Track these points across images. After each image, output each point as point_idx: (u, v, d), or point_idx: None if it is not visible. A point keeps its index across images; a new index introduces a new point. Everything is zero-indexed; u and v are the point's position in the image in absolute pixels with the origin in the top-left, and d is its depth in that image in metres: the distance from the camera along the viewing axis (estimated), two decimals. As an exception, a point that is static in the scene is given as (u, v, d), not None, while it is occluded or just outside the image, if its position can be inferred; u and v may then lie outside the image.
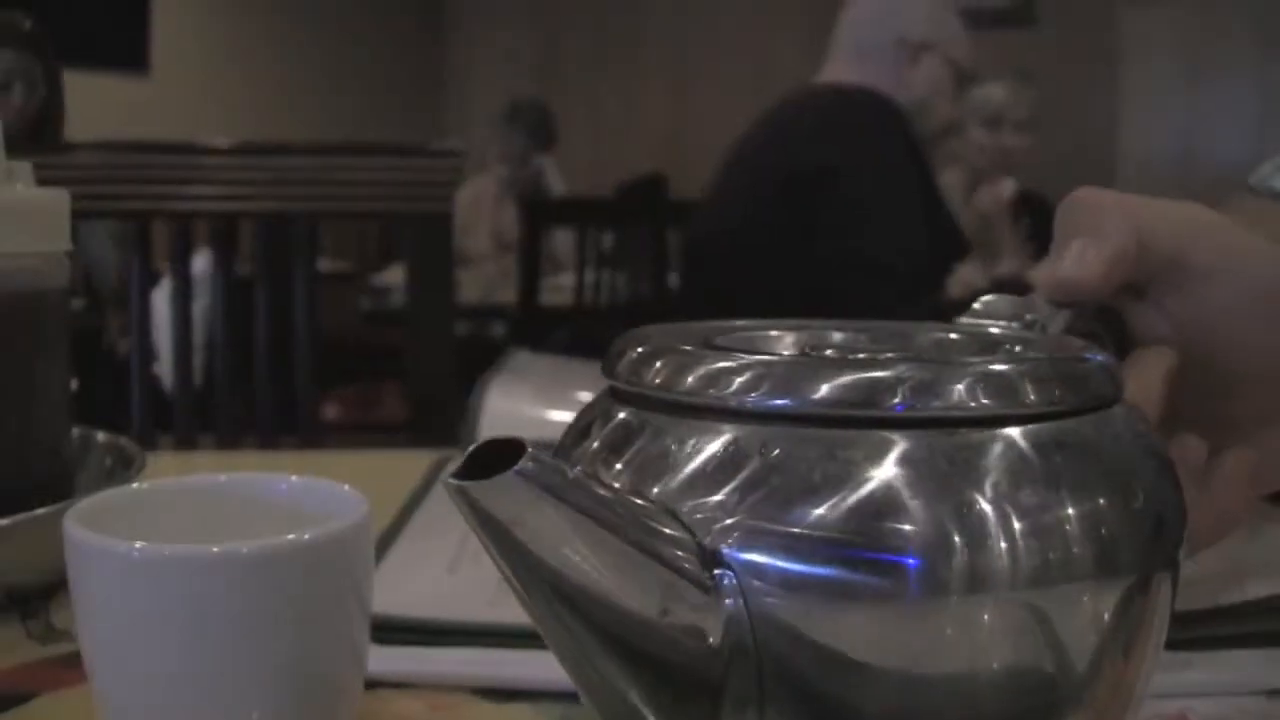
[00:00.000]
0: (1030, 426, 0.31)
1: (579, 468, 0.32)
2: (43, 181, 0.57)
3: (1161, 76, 4.10)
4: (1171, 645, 0.46)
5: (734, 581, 0.30)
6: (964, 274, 1.20)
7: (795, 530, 0.30)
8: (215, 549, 0.36)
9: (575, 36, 5.48)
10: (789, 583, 0.29)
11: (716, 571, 0.30)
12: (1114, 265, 0.42)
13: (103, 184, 1.16)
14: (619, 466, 0.33)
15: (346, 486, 0.41)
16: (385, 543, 0.58)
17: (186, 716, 0.37)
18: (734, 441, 0.31)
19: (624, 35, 5.34)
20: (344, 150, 1.34)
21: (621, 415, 0.34)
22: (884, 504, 0.29)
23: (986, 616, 0.30)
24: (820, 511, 0.29)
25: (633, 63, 5.29)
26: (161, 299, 1.53)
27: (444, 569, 0.54)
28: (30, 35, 2.31)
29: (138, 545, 0.36)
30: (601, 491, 0.30)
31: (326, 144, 1.36)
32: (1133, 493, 0.32)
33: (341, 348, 1.36)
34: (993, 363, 0.33)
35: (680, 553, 0.30)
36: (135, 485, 0.47)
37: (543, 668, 0.44)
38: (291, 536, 0.37)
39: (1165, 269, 0.44)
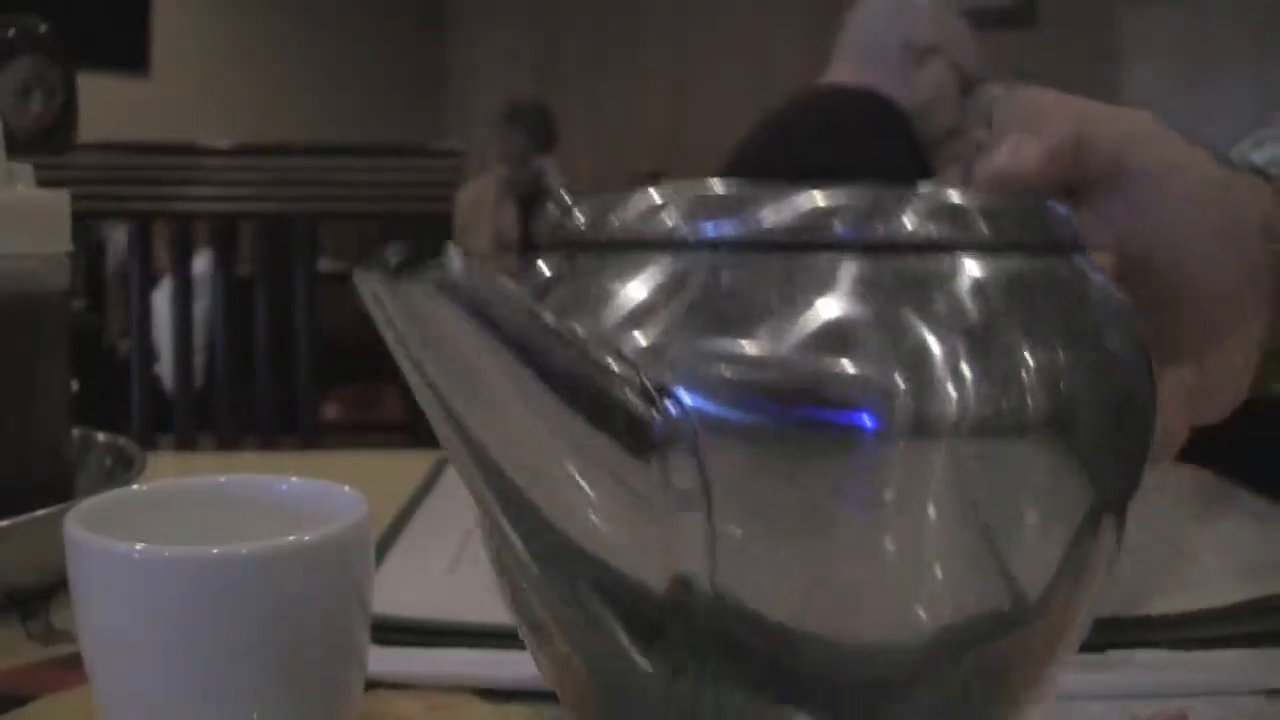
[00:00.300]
0: (989, 258, 0.30)
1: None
2: (43, 182, 0.57)
3: (1161, 76, 4.09)
4: (1171, 645, 0.46)
5: (681, 413, 0.28)
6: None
7: (743, 359, 0.28)
8: (215, 550, 0.36)
9: (575, 36, 5.48)
10: (737, 412, 0.28)
11: (665, 403, 0.28)
12: (1052, 159, 0.41)
13: (103, 185, 1.16)
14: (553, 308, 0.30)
15: (346, 487, 0.41)
16: (385, 543, 0.58)
17: (186, 717, 0.37)
18: (676, 272, 0.29)
19: (624, 35, 5.34)
20: (344, 150, 1.34)
21: (553, 262, 0.32)
22: (836, 333, 0.28)
23: (936, 455, 0.28)
24: (770, 340, 0.28)
25: (633, 63, 5.29)
26: (162, 299, 1.53)
27: (444, 569, 0.54)
28: (47, 39, 2.31)
29: (138, 546, 0.36)
30: (531, 309, 0.27)
31: (326, 144, 1.35)
32: (1102, 350, 0.31)
33: (341, 348, 1.36)
34: (947, 194, 0.31)
35: (622, 384, 0.27)
36: (136, 486, 0.47)
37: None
38: (291, 537, 0.37)
39: (1105, 171, 0.43)
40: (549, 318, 0.27)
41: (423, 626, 0.46)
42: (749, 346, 0.28)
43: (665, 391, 0.28)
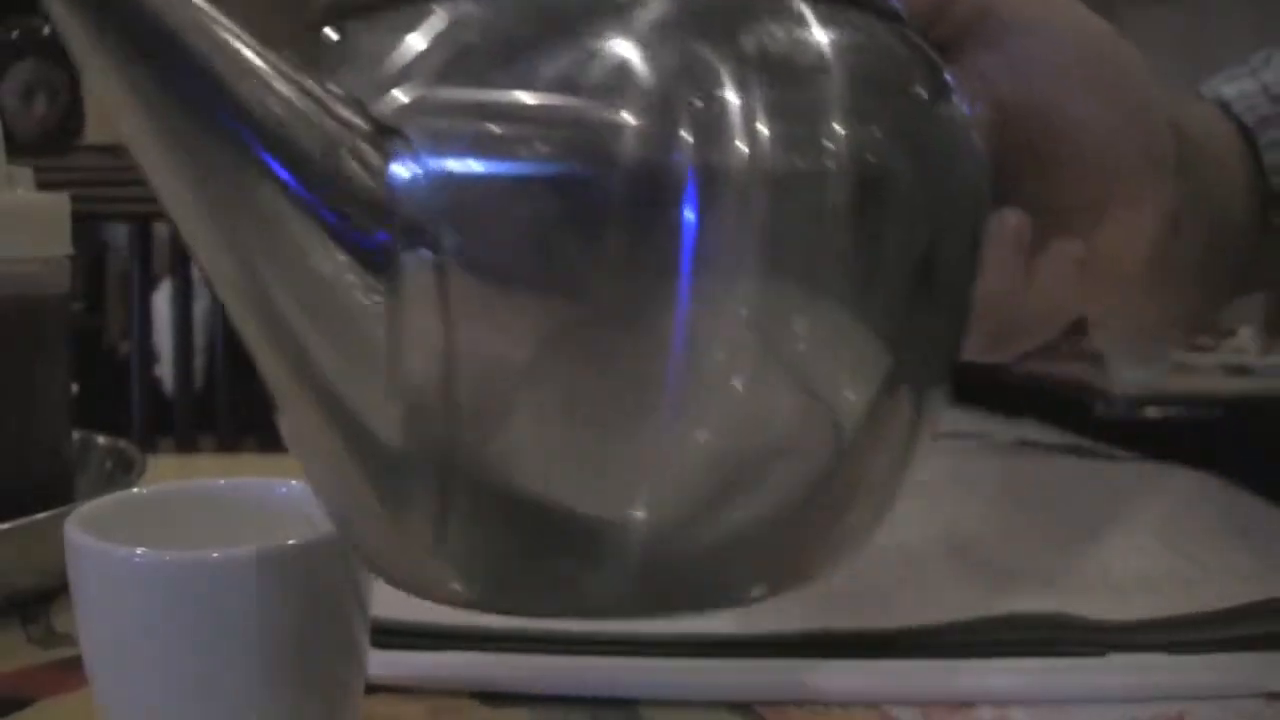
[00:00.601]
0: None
1: None
2: (44, 185, 0.57)
3: (1162, 76, 4.09)
4: (1170, 648, 0.47)
5: (413, 158, 0.23)
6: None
7: (485, 99, 0.24)
8: (215, 554, 0.36)
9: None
10: (478, 157, 0.23)
11: (393, 146, 0.23)
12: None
13: (104, 186, 1.16)
14: None
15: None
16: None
17: (178, 716, 0.37)
18: (437, 23, 0.25)
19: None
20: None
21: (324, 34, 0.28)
22: (604, 69, 0.24)
23: (721, 228, 0.24)
24: (518, 78, 0.24)
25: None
26: (162, 300, 1.53)
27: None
28: (50, 42, 2.32)
29: (138, 550, 0.36)
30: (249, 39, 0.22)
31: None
32: (923, 130, 0.28)
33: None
34: None
35: (349, 124, 0.23)
36: (136, 490, 0.47)
37: (543, 672, 0.45)
38: (292, 541, 0.37)
39: (976, 20, 0.39)
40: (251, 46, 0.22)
41: (423, 630, 0.46)
42: (497, 95, 0.24)
43: (395, 133, 0.23)
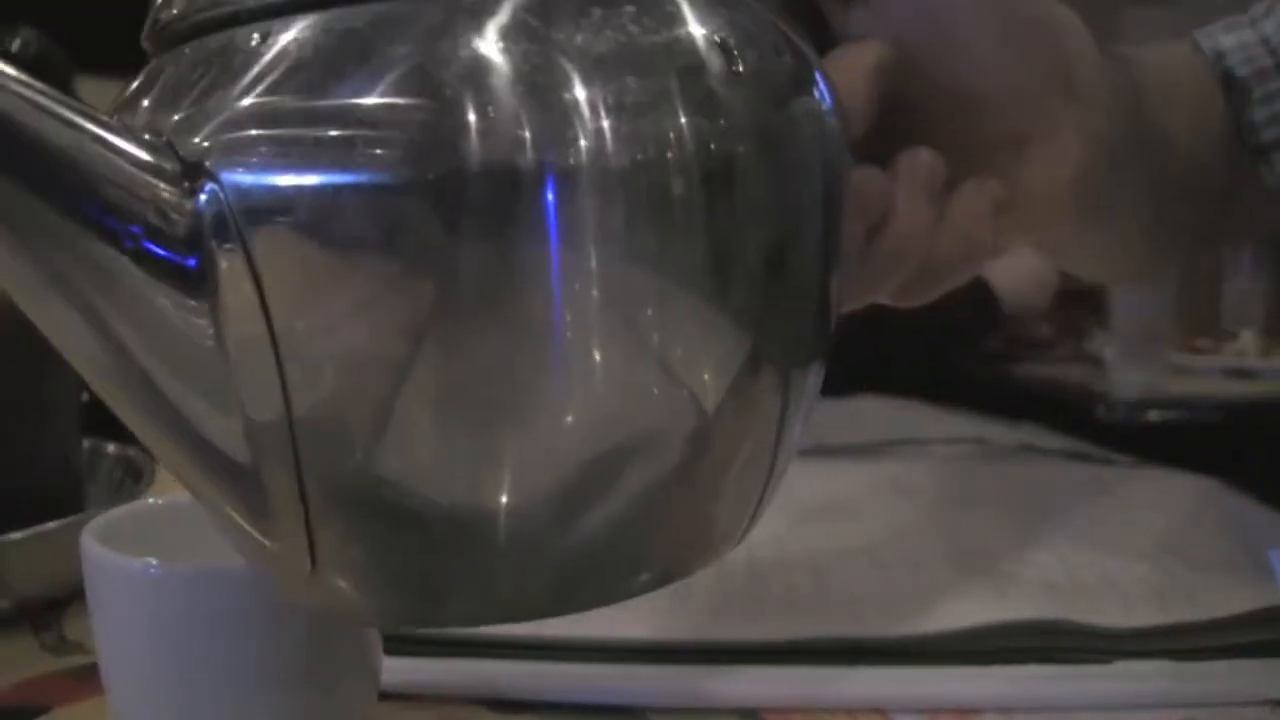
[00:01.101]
0: None
1: None
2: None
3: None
4: (1174, 655, 0.47)
5: (217, 194, 0.23)
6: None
7: (285, 124, 0.23)
8: (229, 565, 0.36)
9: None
10: (284, 190, 0.23)
11: (201, 183, 0.23)
12: None
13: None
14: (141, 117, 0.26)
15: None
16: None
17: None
18: (223, 49, 0.25)
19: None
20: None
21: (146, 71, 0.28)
22: (392, 78, 0.23)
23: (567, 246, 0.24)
24: (321, 99, 0.23)
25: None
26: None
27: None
28: (38, 56, 2.35)
29: (153, 563, 0.37)
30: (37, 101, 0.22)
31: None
32: (772, 119, 0.27)
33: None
34: None
35: (145, 168, 0.23)
36: (150, 501, 0.47)
37: (551, 679, 0.45)
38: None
39: None
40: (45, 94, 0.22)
41: (434, 637, 0.47)
42: (294, 106, 0.24)
43: (200, 169, 0.23)
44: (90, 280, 0.23)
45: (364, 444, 0.25)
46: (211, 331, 0.24)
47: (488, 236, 0.23)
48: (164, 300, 0.23)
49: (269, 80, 0.24)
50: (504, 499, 0.26)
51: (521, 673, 0.45)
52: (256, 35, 0.25)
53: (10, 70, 0.22)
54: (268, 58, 0.24)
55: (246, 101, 0.24)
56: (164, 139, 0.24)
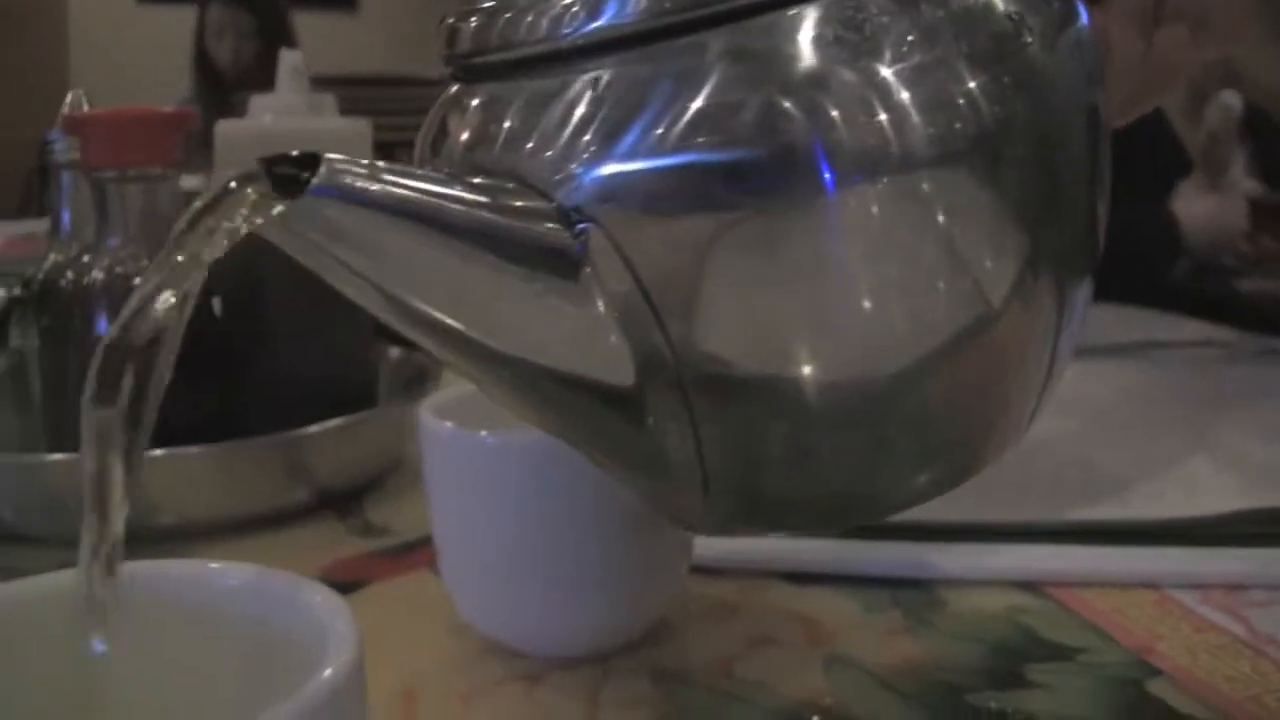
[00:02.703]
0: None
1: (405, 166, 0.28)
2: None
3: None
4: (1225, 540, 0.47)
5: (599, 233, 0.27)
6: (1186, 190, 1.16)
7: (646, 158, 0.27)
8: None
9: None
10: (657, 214, 0.27)
11: (578, 227, 0.27)
12: None
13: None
14: (460, 153, 0.30)
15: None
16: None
17: (524, 591, 0.40)
18: (560, 85, 0.28)
19: None
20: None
21: (448, 99, 0.32)
22: (731, 103, 0.27)
23: (872, 205, 0.27)
24: (667, 130, 0.27)
25: None
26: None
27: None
28: None
29: (487, 435, 0.39)
30: (429, 185, 0.27)
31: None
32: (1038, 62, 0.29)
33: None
34: None
35: (532, 222, 0.27)
36: (470, 388, 0.50)
37: (846, 554, 0.47)
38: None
39: None
40: (446, 181, 0.27)
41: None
42: (649, 139, 0.27)
43: (577, 211, 0.27)
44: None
45: (743, 367, 0.29)
46: (599, 304, 0.28)
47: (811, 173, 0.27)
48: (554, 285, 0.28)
49: (595, 117, 0.28)
50: (859, 405, 0.29)
51: (818, 548, 0.47)
52: (559, 75, 0.28)
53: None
54: (585, 96, 0.28)
55: (587, 141, 0.28)
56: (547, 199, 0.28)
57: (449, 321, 0.28)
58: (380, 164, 0.26)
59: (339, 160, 0.25)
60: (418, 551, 0.51)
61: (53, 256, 0.57)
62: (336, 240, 0.26)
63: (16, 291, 0.62)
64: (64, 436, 0.56)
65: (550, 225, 0.27)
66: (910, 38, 0.27)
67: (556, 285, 0.27)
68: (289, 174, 0.25)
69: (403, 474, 0.60)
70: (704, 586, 0.45)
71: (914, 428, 0.31)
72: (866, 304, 0.28)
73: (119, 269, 0.54)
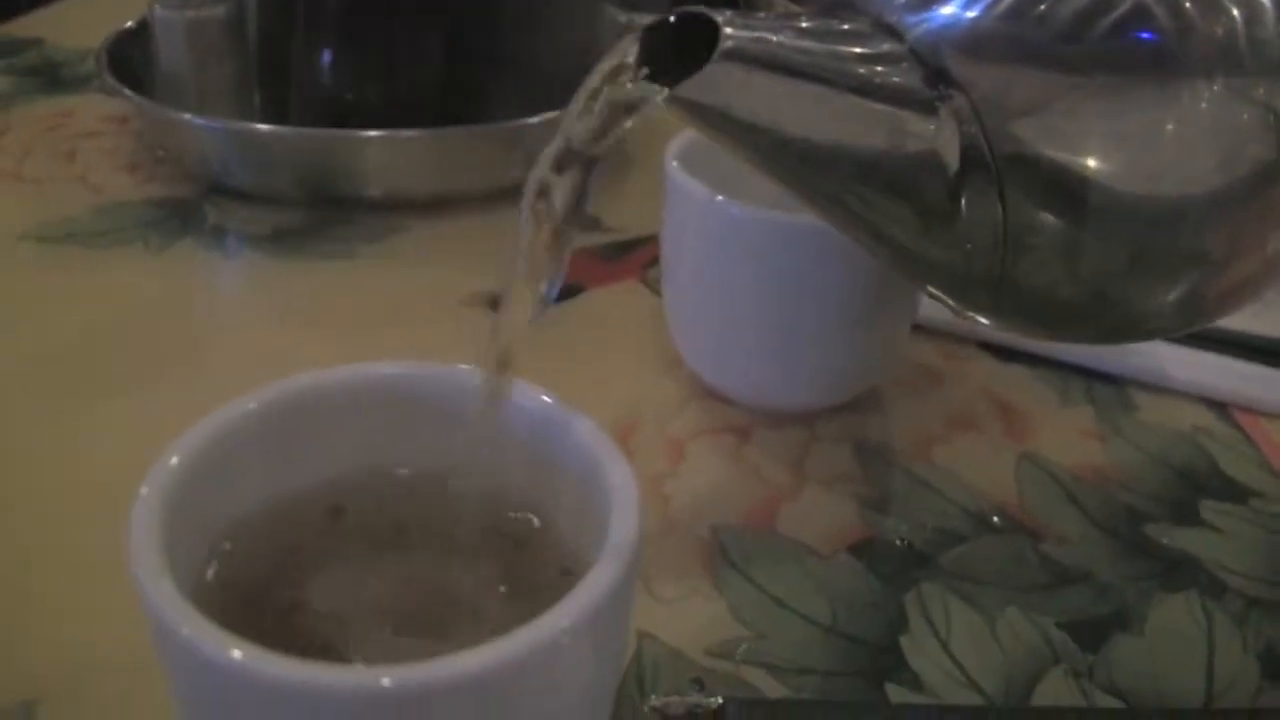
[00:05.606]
0: None
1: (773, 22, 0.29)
2: None
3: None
4: None
5: (961, 97, 0.29)
6: None
7: (1022, 24, 0.28)
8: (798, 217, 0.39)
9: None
10: (1023, 84, 0.29)
11: (941, 89, 0.29)
12: None
13: None
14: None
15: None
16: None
17: (746, 338, 0.42)
18: None
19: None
20: None
21: None
22: None
23: (1232, 100, 0.28)
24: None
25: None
26: None
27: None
28: None
29: (719, 198, 0.40)
30: (808, 44, 0.28)
31: None
32: None
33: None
34: None
35: (899, 77, 0.29)
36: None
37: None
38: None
39: None
40: (819, 34, 0.29)
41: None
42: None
43: (941, 71, 0.29)
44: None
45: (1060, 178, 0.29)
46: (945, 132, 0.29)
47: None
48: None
49: None
50: (1157, 230, 0.30)
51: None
52: None
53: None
54: None
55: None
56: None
57: (819, 154, 0.29)
58: (759, 18, 0.28)
59: (734, 31, 0.26)
60: (633, 254, 0.52)
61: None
62: (727, 102, 0.27)
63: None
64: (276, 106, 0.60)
65: (912, 79, 0.29)
66: None
67: (912, 120, 0.29)
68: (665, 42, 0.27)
69: (621, 167, 0.60)
70: (912, 348, 0.47)
71: (1202, 259, 0.31)
72: (1183, 131, 0.29)
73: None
